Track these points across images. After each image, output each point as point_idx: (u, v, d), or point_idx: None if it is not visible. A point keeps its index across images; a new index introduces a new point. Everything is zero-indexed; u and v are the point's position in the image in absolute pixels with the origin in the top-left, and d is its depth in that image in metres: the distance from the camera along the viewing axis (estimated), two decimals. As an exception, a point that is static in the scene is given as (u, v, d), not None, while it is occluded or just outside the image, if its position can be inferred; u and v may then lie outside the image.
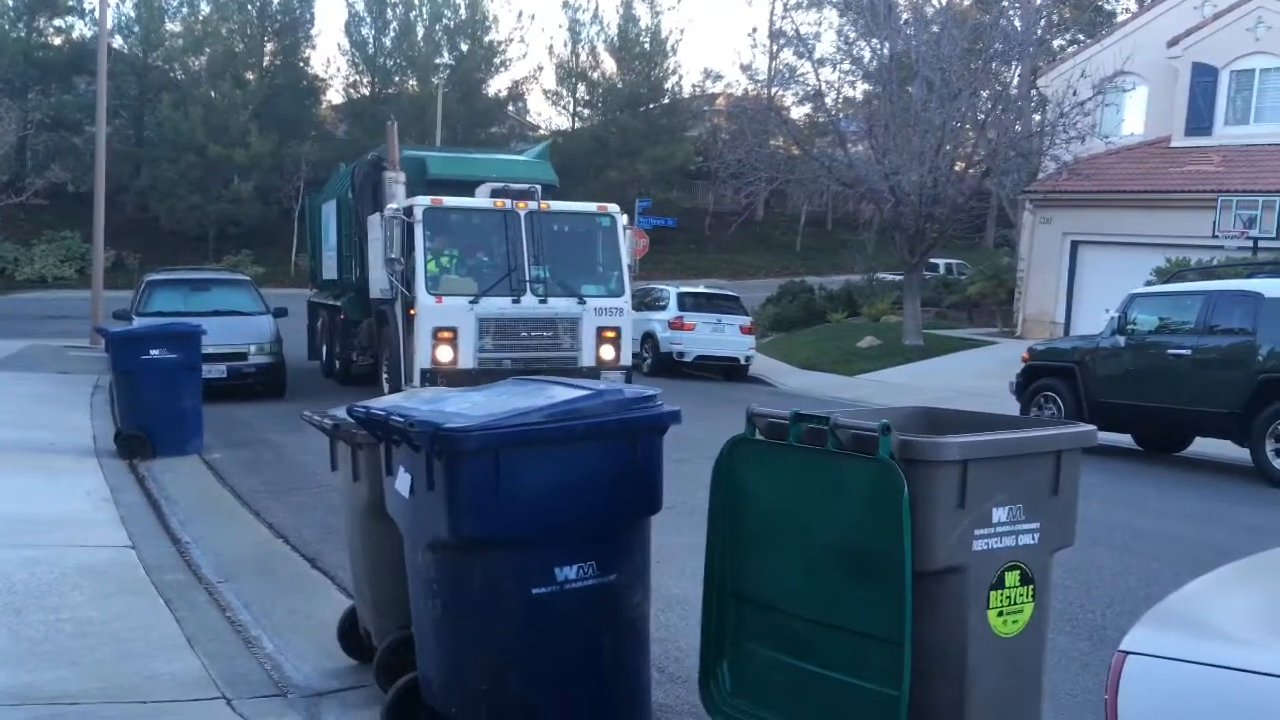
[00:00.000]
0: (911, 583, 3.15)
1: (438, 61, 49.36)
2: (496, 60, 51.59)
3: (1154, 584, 6.45)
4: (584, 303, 12.61)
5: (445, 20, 50.52)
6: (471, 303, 12.19)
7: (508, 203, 12.64)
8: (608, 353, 12.77)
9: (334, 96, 52.36)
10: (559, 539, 3.62)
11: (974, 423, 3.84)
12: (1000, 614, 3.42)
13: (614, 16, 51.97)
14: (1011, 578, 3.43)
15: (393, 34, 50.21)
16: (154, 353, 10.26)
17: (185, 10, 47.79)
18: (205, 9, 47.80)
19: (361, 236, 14.41)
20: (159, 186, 43.48)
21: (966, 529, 3.32)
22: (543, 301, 12.44)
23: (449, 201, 12.67)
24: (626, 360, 13.09)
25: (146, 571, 6.16)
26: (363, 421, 3.91)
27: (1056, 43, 31.24)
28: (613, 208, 13.50)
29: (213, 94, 44.35)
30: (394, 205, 12.49)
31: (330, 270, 17.51)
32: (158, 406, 10.07)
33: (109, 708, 4.24)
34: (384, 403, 4.08)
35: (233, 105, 44.26)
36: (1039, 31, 26.32)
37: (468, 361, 12.13)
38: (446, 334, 12.08)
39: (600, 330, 12.68)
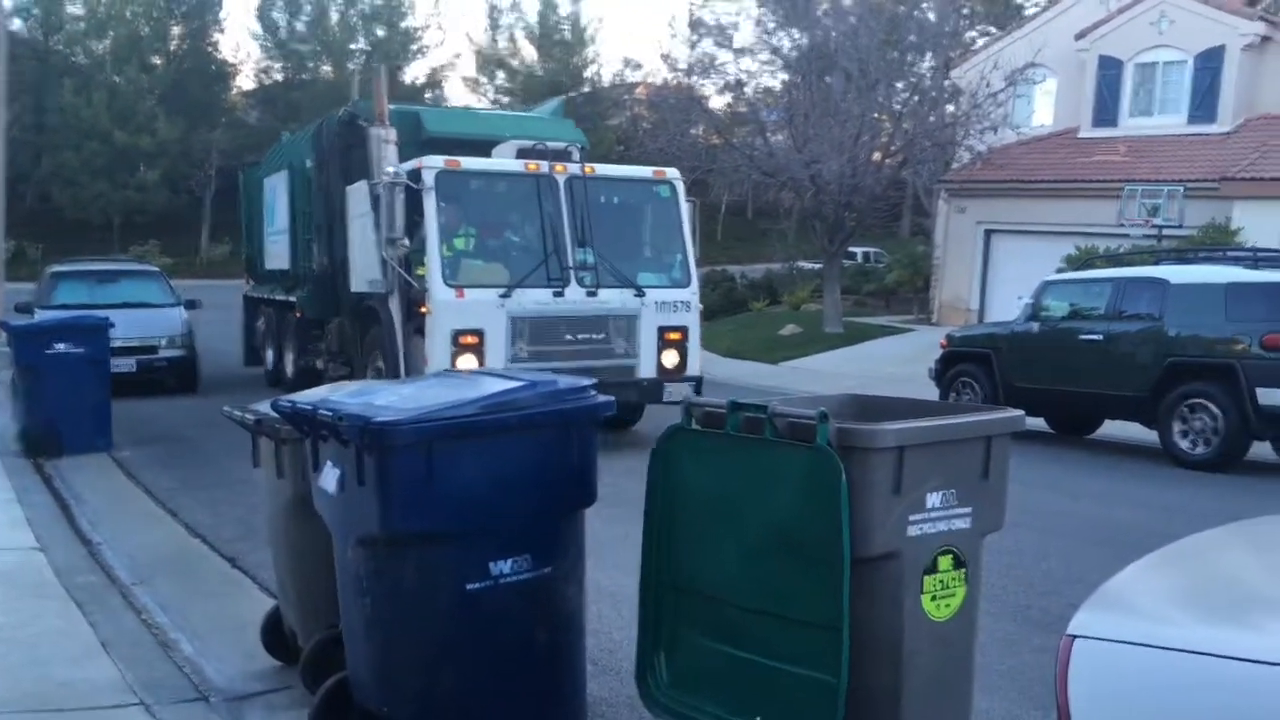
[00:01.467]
0: (849, 569, 3.17)
1: (353, 47, 48.56)
2: (414, 47, 50.90)
3: (1074, 564, 6.61)
4: (642, 295, 10.04)
5: (361, 5, 49.66)
6: (502, 296, 9.53)
7: (542, 165, 9.94)
8: (671, 359, 10.15)
9: (245, 82, 51.16)
10: (493, 533, 3.56)
11: (905, 409, 3.87)
12: (934, 598, 3.46)
13: (534, 4, 51.61)
14: (945, 562, 3.47)
15: (306, 18, 49.17)
16: (59, 347, 9.88)
17: (87, -9, 46.17)
18: (109, -9, 46.22)
19: (330, 214, 11.84)
20: (62, 174, 42.02)
21: (902, 515, 3.34)
22: (591, 294, 9.83)
23: (468, 163, 9.93)
24: (695, 368, 10.40)
25: (56, 574, 5.93)
26: (288, 416, 3.79)
27: (969, 35, 31.89)
28: (672, 173, 10.90)
29: (117, 79, 42.97)
30: (391, 170, 9.64)
31: (278, 258, 14.70)
32: (64, 403, 9.70)
33: (20, 717, 4.06)
34: (310, 396, 3.97)
35: (138, 90, 42.96)
36: (952, 24, 26.82)
37: None
38: (470, 338, 9.43)
39: (663, 331, 10.12)
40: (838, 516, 3.15)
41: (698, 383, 10.17)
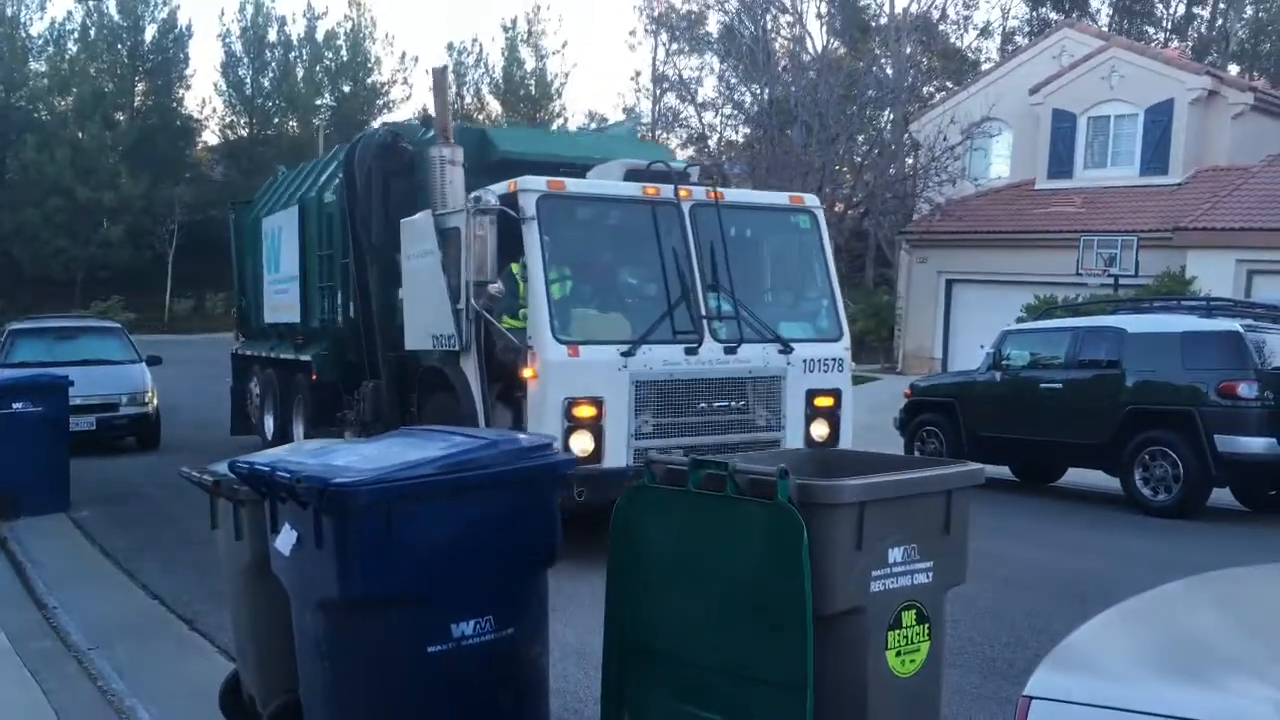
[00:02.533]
0: (812, 626, 3.16)
1: (319, 103, 48.74)
2: (379, 102, 51.16)
3: (1038, 615, 6.63)
4: (789, 351, 8.09)
5: (326, 62, 49.96)
6: (625, 355, 7.49)
7: (663, 190, 7.97)
8: (821, 430, 8.25)
9: (210, 137, 51.12)
10: (455, 594, 3.53)
11: (867, 464, 3.90)
12: (898, 654, 3.46)
13: (499, 59, 52.09)
14: (908, 617, 3.48)
15: (272, 75, 49.36)
16: (16, 406, 9.73)
17: (51, 49, 46.14)
18: (73, 48, 46.23)
19: (362, 256, 9.92)
20: (23, 231, 41.64)
21: (864, 570, 3.35)
22: (730, 350, 7.84)
23: (575, 185, 7.95)
24: (847, 440, 8.44)
25: (10, 640, 5.79)
26: (245, 477, 3.75)
27: (926, 90, 32.54)
28: (811, 200, 9.04)
29: (80, 135, 42.78)
30: (475, 196, 7.66)
31: (283, 310, 12.56)
32: (21, 463, 9.52)
33: (-33, 793, 3.94)
34: (267, 457, 3.93)
35: (102, 146, 42.81)
36: (909, 79, 27.39)
37: (619, 455, 7.42)
38: (586, 409, 7.37)
39: (812, 395, 8.22)
40: (800, 573, 3.15)
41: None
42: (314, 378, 11.28)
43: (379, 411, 9.87)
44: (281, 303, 12.70)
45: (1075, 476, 12.51)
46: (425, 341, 8.53)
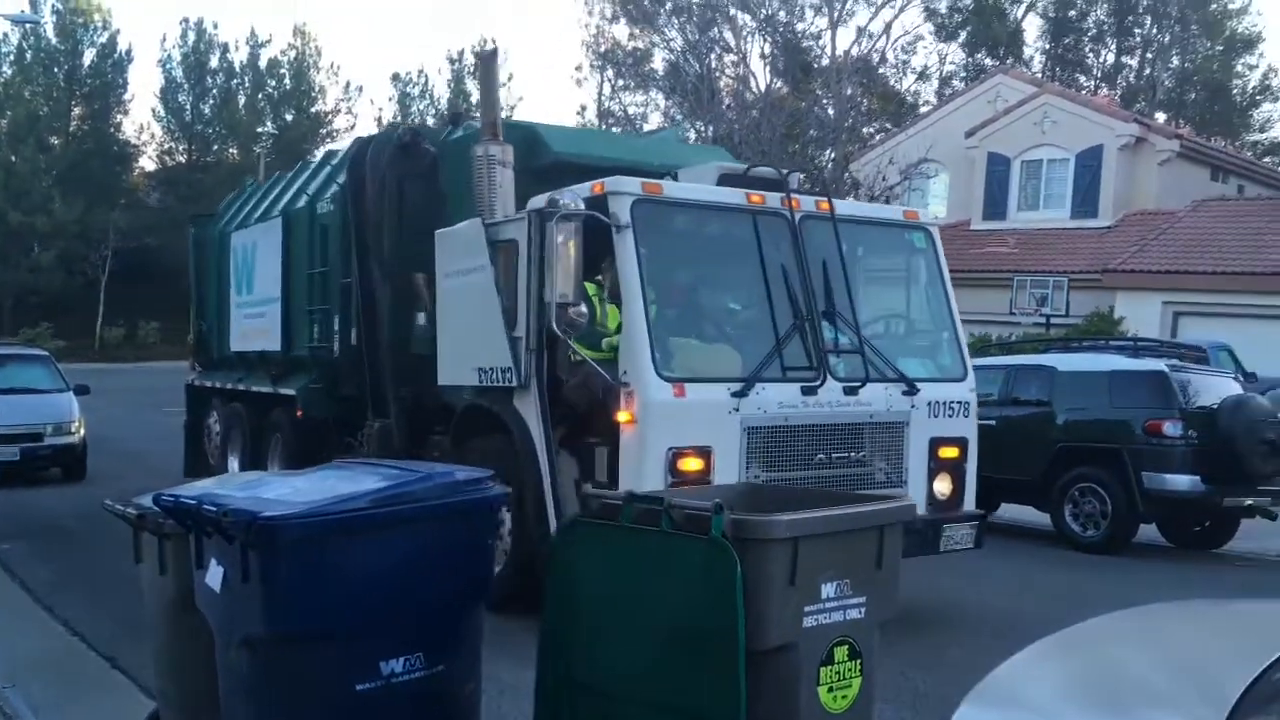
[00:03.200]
0: (745, 662, 3.17)
1: (260, 130, 48.25)
2: (323, 131, 50.78)
3: (969, 649, 6.68)
4: (914, 392, 6.91)
5: (269, 90, 49.52)
6: (736, 395, 6.26)
7: (768, 198, 6.77)
8: (944, 486, 7.07)
9: (147, 163, 50.32)
10: (386, 630, 3.47)
11: (802, 499, 3.93)
12: (830, 690, 3.47)
13: (444, 91, 52.08)
14: (840, 653, 3.50)
15: (213, 101, 48.79)
16: (-65, 435, 9.43)
17: (-16, 71, 45.22)
18: (7, 71, 45.34)
19: (369, 274, 8.62)
20: (-49, 254, 40.54)
21: (797, 606, 3.37)
22: (852, 391, 6.64)
23: (673, 189, 6.70)
24: (972, 499, 7.29)
25: (-81, 679, 5.57)
26: (171, 510, 3.67)
27: (866, 130, 33.16)
28: (926, 215, 7.86)
29: (13, 158, 41.86)
30: (553, 199, 6.29)
31: (257, 336, 11.04)
32: (-62, 494, 9.21)
33: None
34: (194, 489, 3.85)
35: (35, 170, 41.89)
36: (850, 120, 27.90)
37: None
38: (693, 462, 6.13)
39: (935, 445, 7.03)
40: (733, 609, 3.16)
41: (980, 523, 7.20)
42: (299, 414, 9.81)
43: (389, 456, 7.96)
44: (254, 328, 11.15)
45: (1008, 512, 12.69)
46: (467, 375, 7.23)
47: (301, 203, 10.20)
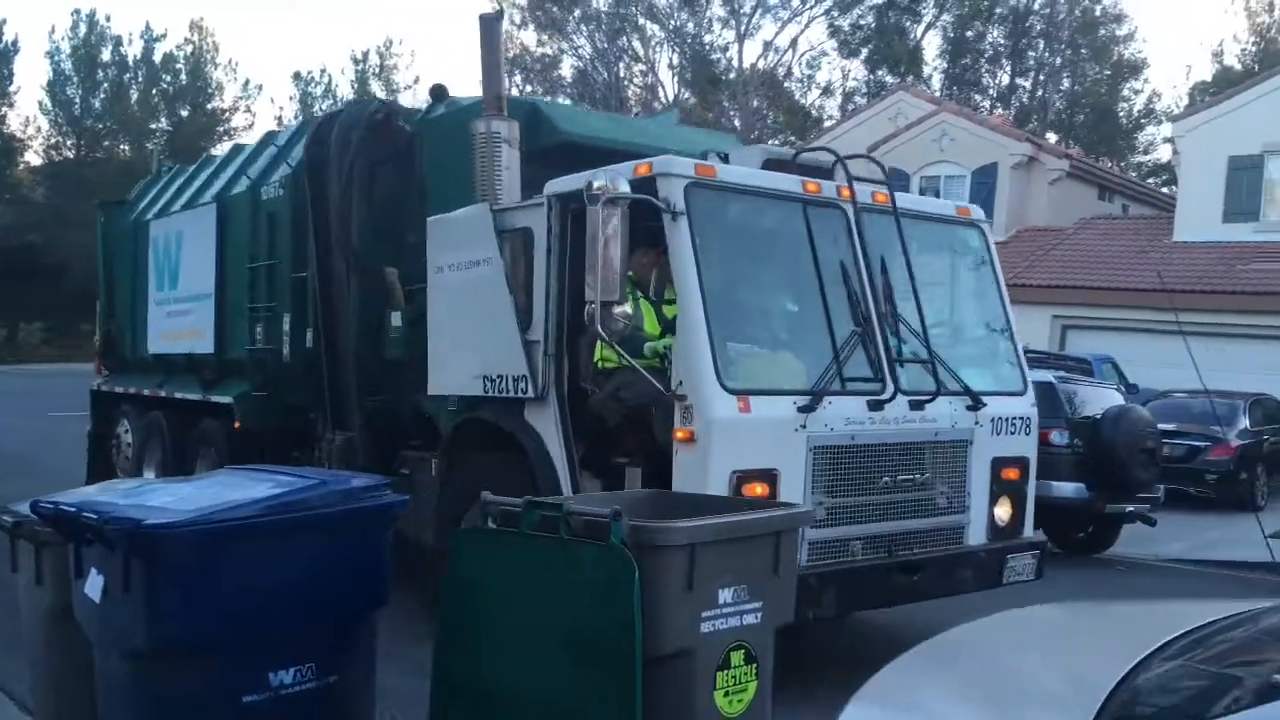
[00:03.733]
0: (642, 668, 3.17)
1: (154, 126, 46.85)
2: (220, 128, 49.48)
3: (860, 650, 6.80)
4: (979, 407, 6.14)
5: (164, 85, 48.09)
6: (803, 410, 5.43)
7: (824, 186, 5.99)
8: (1004, 511, 6.32)
9: (33, 158, 48.36)
10: (274, 641, 3.39)
11: (704, 506, 3.96)
12: (726, 694, 3.50)
13: (348, 91, 51.23)
14: (737, 657, 3.53)
15: (104, 96, 47.15)
16: None
17: None
18: (-117, 59, 43.18)
19: (326, 266, 7.75)
20: None
21: (695, 612, 3.39)
22: (918, 406, 5.84)
23: (727, 173, 5.80)
24: (1030, 525, 6.55)
25: None
26: (49, 518, 3.53)
27: (771, 142, 33.67)
28: (977, 211, 7.02)
29: (-113, 149, 39.89)
30: (590, 180, 5.19)
31: (182, 338, 9.90)
32: None
33: None
34: (75, 496, 3.70)
35: (-90, 163, 39.98)
36: (756, 132, 28.30)
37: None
38: (758, 488, 5.24)
39: (998, 466, 6.28)
40: (631, 615, 3.16)
41: (1042, 551, 6.48)
42: (236, 425, 8.70)
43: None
44: (178, 328, 9.98)
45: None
46: (467, 384, 6.33)
47: (240, 187, 9.17)
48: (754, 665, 3.56)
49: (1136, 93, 41.42)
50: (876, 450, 5.68)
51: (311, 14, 73.61)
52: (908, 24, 39.65)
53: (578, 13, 35.71)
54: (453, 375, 6.52)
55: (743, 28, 34.87)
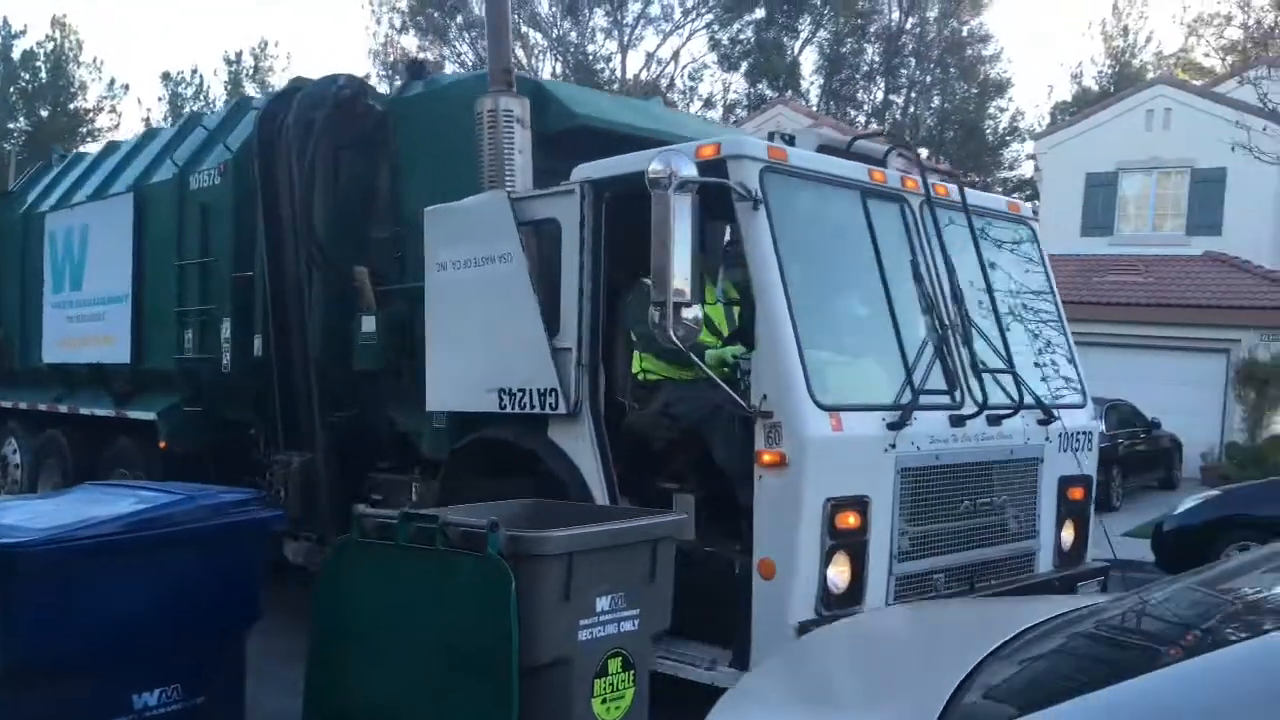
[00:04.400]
0: (519, 677, 3.18)
1: (12, 126, 44.69)
2: (83, 129, 47.44)
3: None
4: (1050, 421, 5.56)
5: (23, 83, 45.89)
6: (891, 428, 4.79)
7: (889, 175, 5.44)
8: (1070, 535, 5.86)
9: (-127, 157, 45.55)
10: (138, 661, 3.29)
11: (578, 514, 3.99)
12: (604, 701, 3.54)
13: (221, 93, 49.75)
14: (614, 664, 3.57)
15: (-45, 91, 44.78)
16: None
17: None
18: None
19: (279, 264, 7.01)
20: None
21: (572, 620, 3.42)
22: (995, 421, 5.22)
23: (800, 157, 5.10)
24: (1088, 547, 6.01)
25: None
26: (-109, 539, 3.34)
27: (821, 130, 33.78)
28: (1026, 208, 6.46)
29: None
30: (658, 163, 4.39)
31: (87, 345, 8.73)
32: None
33: None
34: (-79, 516, 3.52)
35: None
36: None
37: (878, 591, 4.71)
38: (851, 518, 4.61)
39: (1065, 486, 5.75)
40: (507, 625, 3.17)
41: (1107, 576, 6.01)
42: (162, 445, 7.70)
43: (310, 500, 6.66)
44: (82, 334, 8.81)
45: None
46: (477, 400, 5.49)
47: (163, 174, 8.14)
48: (631, 672, 3.61)
49: (1002, 110, 43.16)
50: (957, 471, 5.07)
51: (182, 12, 71.15)
52: (786, 40, 40.55)
53: (460, 19, 35.42)
54: (457, 389, 5.63)
55: (625, 39, 35.13)
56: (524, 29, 33.31)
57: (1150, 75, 31.60)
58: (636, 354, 5.13)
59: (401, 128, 6.65)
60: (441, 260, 5.71)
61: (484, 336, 5.51)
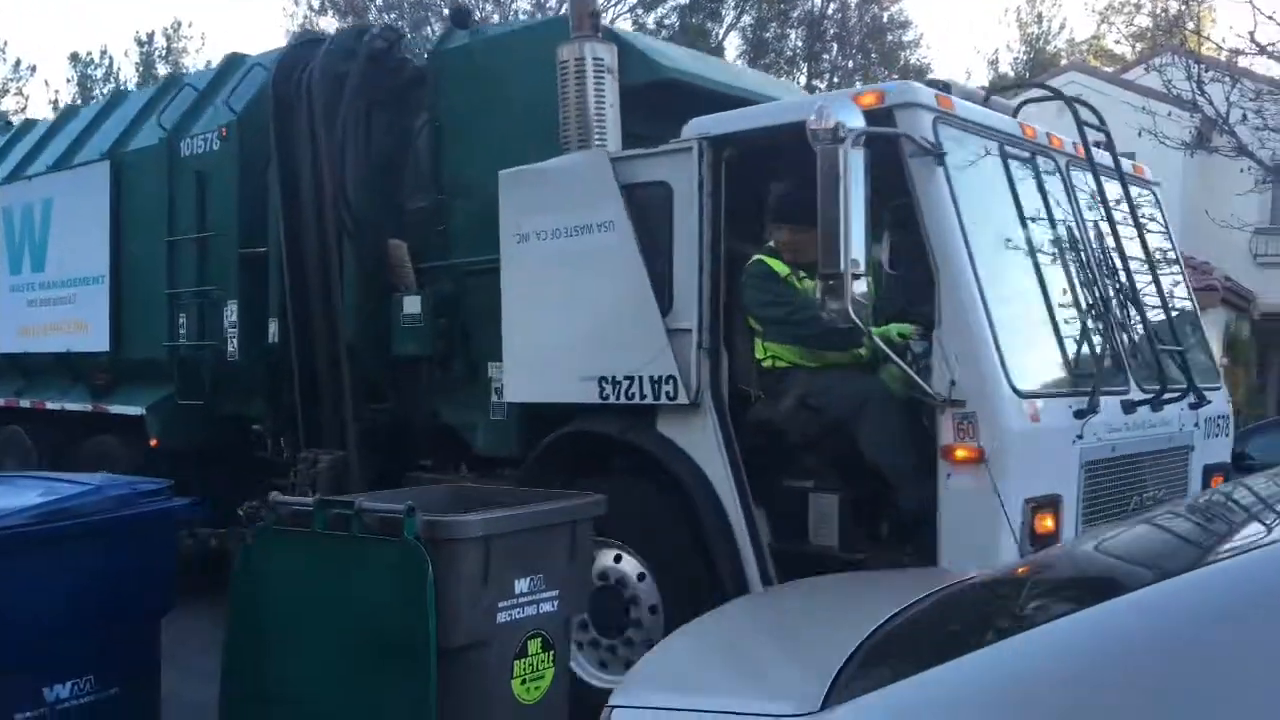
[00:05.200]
0: (437, 660, 3.21)
1: (-92, 108, 42.90)
2: (-14, 111, 45.75)
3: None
4: (1201, 405, 5.09)
5: (-81, 63, 44.06)
6: (1079, 416, 4.25)
7: (1037, 132, 4.94)
8: None
9: None
10: (49, 655, 3.25)
11: (502, 498, 4.02)
12: (524, 682, 3.58)
13: (133, 75, 48.29)
14: (534, 645, 3.62)
15: None
16: None
17: None
18: None
19: (296, 239, 6.28)
20: None
21: (491, 603, 3.45)
22: (1157, 407, 4.71)
23: (965, 108, 4.51)
24: None
25: None
26: None
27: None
28: (1148, 170, 5.88)
29: None
30: (819, 110, 3.85)
31: (56, 331, 7.86)
32: None
33: None
34: None
35: None
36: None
37: None
38: (1046, 521, 4.10)
39: (1208, 475, 5.31)
40: (424, 609, 3.20)
41: None
42: (153, 443, 6.97)
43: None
44: (48, 320, 7.95)
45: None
46: (573, 389, 4.83)
47: (147, 139, 7.33)
48: (551, 653, 3.66)
49: (922, 96, 44.02)
50: (1129, 463, 4.64)
51: (91, -10, 68.95)
52: (710, 25, 40.69)
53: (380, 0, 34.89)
54: (544, 378, 4.97)
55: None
56: (445, 10, 32.93)
57: (1064, 62, 32.39)
58: (758, 340, 4.63)
59: (444, 83, 5.97)
60: (523, 231, 5.01)
61: (580, 317, 4.83)
